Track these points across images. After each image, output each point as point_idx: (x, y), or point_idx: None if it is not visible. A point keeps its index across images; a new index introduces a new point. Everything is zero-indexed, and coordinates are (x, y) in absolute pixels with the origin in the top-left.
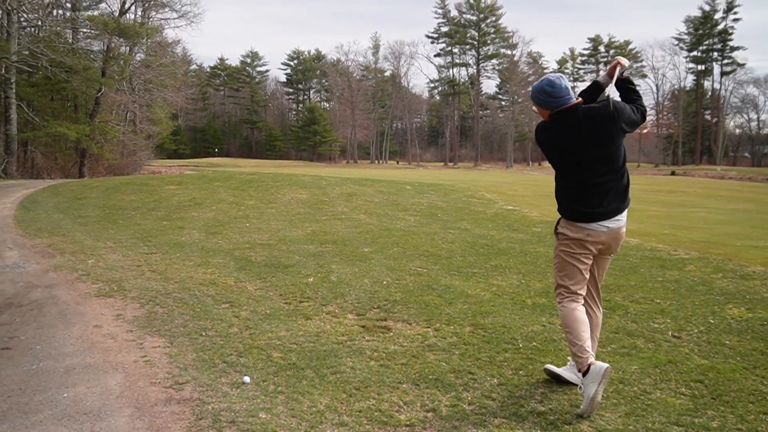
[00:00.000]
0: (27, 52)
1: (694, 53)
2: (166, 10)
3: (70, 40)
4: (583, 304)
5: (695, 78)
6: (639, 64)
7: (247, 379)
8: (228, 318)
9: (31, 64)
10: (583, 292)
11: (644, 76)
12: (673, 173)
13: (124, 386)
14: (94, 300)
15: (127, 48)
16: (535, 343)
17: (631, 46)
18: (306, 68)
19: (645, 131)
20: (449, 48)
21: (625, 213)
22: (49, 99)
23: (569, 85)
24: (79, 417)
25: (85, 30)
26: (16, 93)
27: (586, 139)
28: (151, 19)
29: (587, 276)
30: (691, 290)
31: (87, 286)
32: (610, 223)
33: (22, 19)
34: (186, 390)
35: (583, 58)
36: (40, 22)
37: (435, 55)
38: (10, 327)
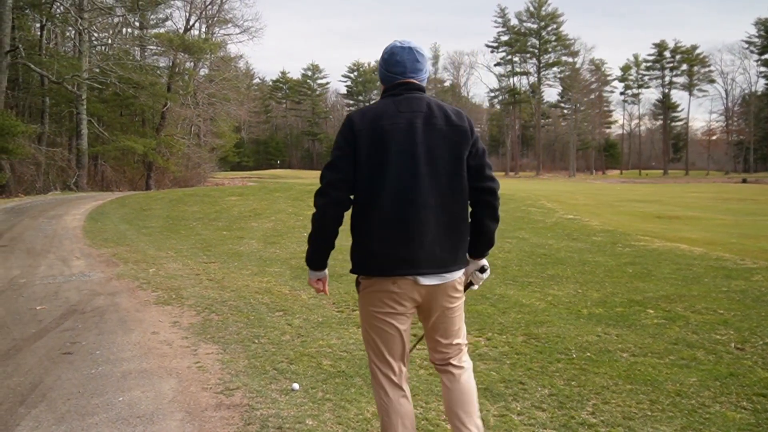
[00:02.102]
0: (97, 70)
1: (766, 56)
2: (229, 26)
3: (138, 57)
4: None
5: (767, 82)
6: (707, 69)
7: (296, 386)
8: (281, 326)
9: (101, 81)
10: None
11: (712, 81)
12: (744, 181)
13: (176, 391)
14: (153, 307)
15: (192, 63)
16: (589, 354)
17: (698, 51)
18: (366, 80)
19: (714, 138)
20: (509, 57)
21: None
22: (117, 114)
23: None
24: (133, 420)
25: (151, 47)
26: (86, 109)
27: None
28: (215, 35)
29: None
30: (758, 301)
31: (147, 294)
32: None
33: (93, 38)
34: (236, 396)
35: (648, 65)
36: (109, 41)
37: (495, 65)
38: (73, 332)
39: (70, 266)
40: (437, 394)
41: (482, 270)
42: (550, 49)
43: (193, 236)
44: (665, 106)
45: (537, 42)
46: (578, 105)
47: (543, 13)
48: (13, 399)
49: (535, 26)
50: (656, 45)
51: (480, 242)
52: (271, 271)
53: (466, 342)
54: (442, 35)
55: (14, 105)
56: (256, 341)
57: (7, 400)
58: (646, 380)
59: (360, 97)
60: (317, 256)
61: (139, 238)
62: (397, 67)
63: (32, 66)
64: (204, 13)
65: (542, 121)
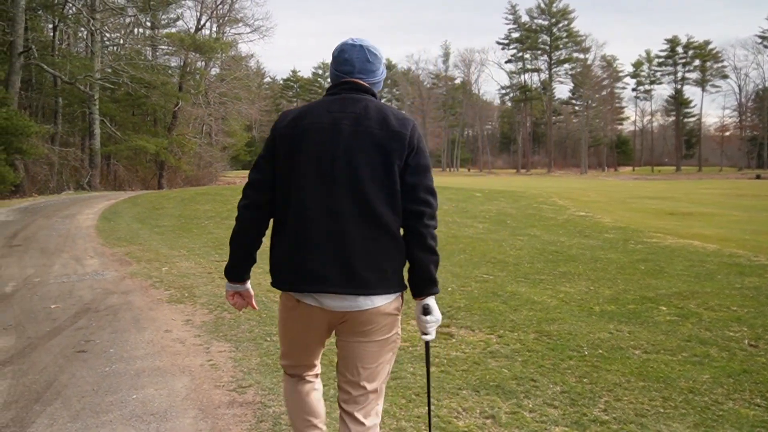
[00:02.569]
0: (109, 70)
1: None
2: (240, 25)
3: (149, 57)
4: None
5: None
6: (720, 65)
7: None
8: None
9: (113, 81)
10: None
11: (725, 76)
12: (758, 177)
13: (189, 389)
14: (166, 306)
15: (203, 63)
16: (601, 351)
17: (710, 46)
18: None
19: (727, 134)
20: (520, 54)
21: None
22: (129, 114)
23: None
24: (147, 417)
25: (163, 47)
26: (99, 109)
27: None
28: (225, 35)
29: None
30: None
31: (160, 293)
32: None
33: (105, 39)
34: (249, 393)
35: (660, 60)
36: (121, 41)
37: (506, 62)
38: (87, 331)
39: (84, 265)
40: (448, 391)
41: (425, 312)
42: (561, 46)
43: (205, 235)
44: (678, 102)
45: (548, 39)
46: (590, 101)
47: (554, 9)
48: (28, 396)
49: (546, 23)
50: (668, 40)
51: (414, 277)
52: None
53: (382, 392)
54: (452, 33)
55: (28, 105)
56: (269, 339)
57: (23, 398)
58: (658, 377)
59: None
60: (232, 263)
61: (151, 237)
62: (345, 65)
63: (45, 67)
64: (215, 12)
65: (553, 118)
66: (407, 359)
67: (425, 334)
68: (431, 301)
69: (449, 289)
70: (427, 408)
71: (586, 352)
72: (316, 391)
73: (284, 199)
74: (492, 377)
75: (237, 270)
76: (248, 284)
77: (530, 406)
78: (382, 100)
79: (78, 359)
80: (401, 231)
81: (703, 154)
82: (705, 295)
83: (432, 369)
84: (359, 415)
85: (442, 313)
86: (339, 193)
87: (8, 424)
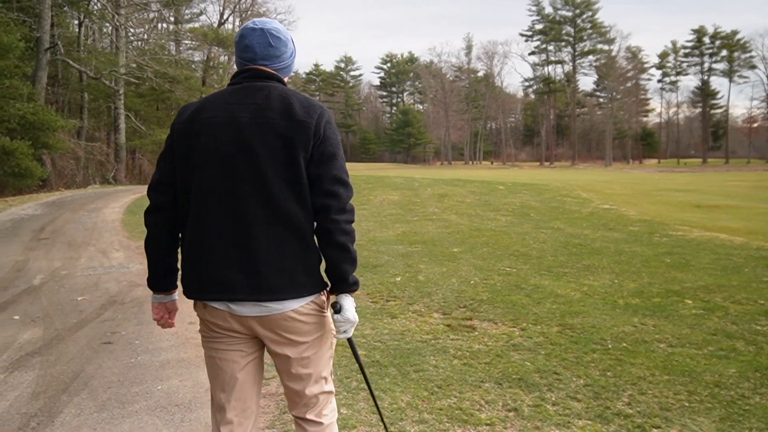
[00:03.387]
0: (134, 65)
1: None
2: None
3: (173, 52)
4: None
5: None
6: (748, 55)
7: None
8: None
9: (138, 75)
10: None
11: (753, 67)
12: None
13: None
14: None
15: (226, 57)
16: (625, 344)
17: (738, 36)
18: (399, 71)
19: (755, 125)
20: (544, 45)
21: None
22: (154, 108)
23: None
24: (171, 408)
25: (186, 42)
26: (124, 104)
27: None
28: None
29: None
30: None
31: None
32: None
33: (129, 34)
34: (272, 385)
35: (686, 51)
36: (145, 36)
37: (529, 54)
38: (113, 323)
39: (110, 258)
40: (471, 384)
41: (336, 310)
42: (585, 37)
43: None
44: (704, 93)
45: (572, 30)
46: (614, 93)
47: (578, 0)
48: (56, 387)
49: (570, 14)
50: (695, 31)
51: (328, 274)
52: None
53: (330, 389)
54: (475, 25)
55: (54, 101)
56: None
57: (51, 388)
58: (683, 371)
59: (393, 89)
60: (149, 272)
61: None
62: (246, 52)
63: (71, 62)
64: (237, 6)
65: (577, 110)
66: (429, 352)
67: (339, 333)
68: (344, 300)
69: (472, 282)
70: (448, 401)
71: (610, 346)
72: None
73: (185, 201)
74: (515, 370)
75: (155, 278)
76: (174, 295)
77: (553, 399)
78: (405, 94)
79: (104, 350)
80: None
81: (730, 146)
82: (731, 289)
83: (455, 362)
84: (312, 416)
85: (465, 306)
86: (241, 192)
87: (36, 414)
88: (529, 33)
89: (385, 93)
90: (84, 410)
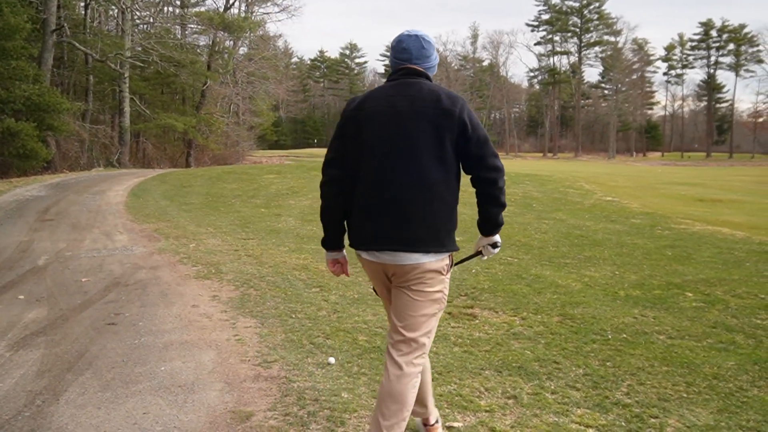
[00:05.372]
0: (140, 48)
1: None
2: (268, 4)
3: (179, 36)
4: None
5: None
6: (755, 49)
7: (332, 360)
8: (317, 301)
9: (143, 59)
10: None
11: (761, 61)
12: None
13: (216, 362)
14: (193, 281)
15: (231, 42)
16: (625, 335)
17: (746, 30)
18: None
19: (761, 120)
20: (550, 36)
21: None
22: (159, 92)
23: None
24: (174, 389)
25: (192, 26)
26: (129, 87)
27: None
28: (254, 14)
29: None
30: None
31: (187, 269)
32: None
33: (135, 17)
34: (274, 368)
35: (693, 44)
36: (151, 19)
37: (535, 44)
38: (117, 304)
39: (114, 240)
40: (471, 371)
41: (494, 246)
42: (591, 28)
43: (232, 213)
44: (710, 87)
45: (578, 21)
46: (619, 85)
47: None
48: (60, 366)
49: (576, 4)
50: (702, 24)
51: (486, 224)
52: (308, 248)
53: (424, 344)
54: (481, 14)
55: (59, 83)
56: (293, 316)
57: (56, 367)
58: (682, 363)
59: None
60: (326, 235)
61: (179, 214)
62: (403, 54)
63: (77, 44)
64: None
65: (582, 101)
66: None
67: (482, 255)
68: (497, 237)
69: (473, 270)
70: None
71: (610, 336)
72: (400, 378)
73: (354, 173)
74: (515, 358)
75: (331, 240)
76: (344, 252)
77: (552, 387)
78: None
79: (108, 331)
80: (457, 196)
81: (735, 140)
82: (732, 282)
83: (455, 349)
84: (399, 359)
85: (466, 294)
86: (398, 165)
87: (42, 392)
88: (536, 23)
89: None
90: (88, 389)
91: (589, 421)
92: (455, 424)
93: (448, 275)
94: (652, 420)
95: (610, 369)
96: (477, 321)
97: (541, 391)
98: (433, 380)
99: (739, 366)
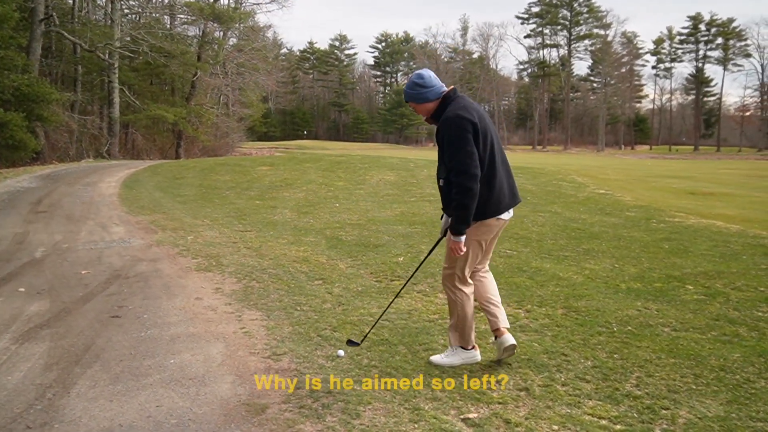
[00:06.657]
0: (129, 38)
1: None
2: None
3: (168, 26)
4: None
5: None
6: (743, 43)
7: (341, 352)
8: (321, 294)
9: (133, 49)
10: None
11: (748, 55)
12: None
13: (225, 355)
14: (194, 274)
15: (221, 33)
16: (630, 328)
17: (734, 24)
18: (394, 51)
19: (748, 114)
20: (540, 29)
21: None
22: (148, 83)
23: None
24: (186, 382)
25: (182, 16)
26: (118, 77)
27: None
28: (244, 5)
29: None
30: None
31: (187, 261)
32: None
33: (124, 7)
34: (284, 361)
35: (682, 38)
36: (140, 9)
37: (525, 36)
38: (119, 297)
39: (110, 232)
40: (481, 364)
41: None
42: (581, 21)
43: (227, 205)
44: (698, 81)
45: (568, 14)
46: (608, 78)
47: None
48: (68, 359)
49: None
50: (691, 18)
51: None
52: (306, 240)
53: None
54: (471, 6)
55: (48, 73)
56: (299, 309)
57: (63, 360)
58: (689, 355)
59: (387, 68)
60: (471, 217)
61: (174, 206)
62: (438, 80)
63: (65, 34)
64: None
65: (571, 94)
66: (437, 331)
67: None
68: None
69: None
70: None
71: (615, 329)
72: (487, 277)
73: (482, 164)
74: (523, 351)
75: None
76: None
77: (562, 379)
78: (399, 74)
79: (113, 324)
80: None
81: (722, 134)
82: (731, 275)
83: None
84: (487, 267)
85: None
86: (503, 155)
87: (51, 385)
88: (526, 16)
89: (379, 73)
90: (98, 382)
91: (602, 413)
92: (470, 416)
93: None
94: (664, 411)
95: (618, 361)
96: (482, 314)
97: (551, 383)
98: (443, 372)
99: (745, 358)
